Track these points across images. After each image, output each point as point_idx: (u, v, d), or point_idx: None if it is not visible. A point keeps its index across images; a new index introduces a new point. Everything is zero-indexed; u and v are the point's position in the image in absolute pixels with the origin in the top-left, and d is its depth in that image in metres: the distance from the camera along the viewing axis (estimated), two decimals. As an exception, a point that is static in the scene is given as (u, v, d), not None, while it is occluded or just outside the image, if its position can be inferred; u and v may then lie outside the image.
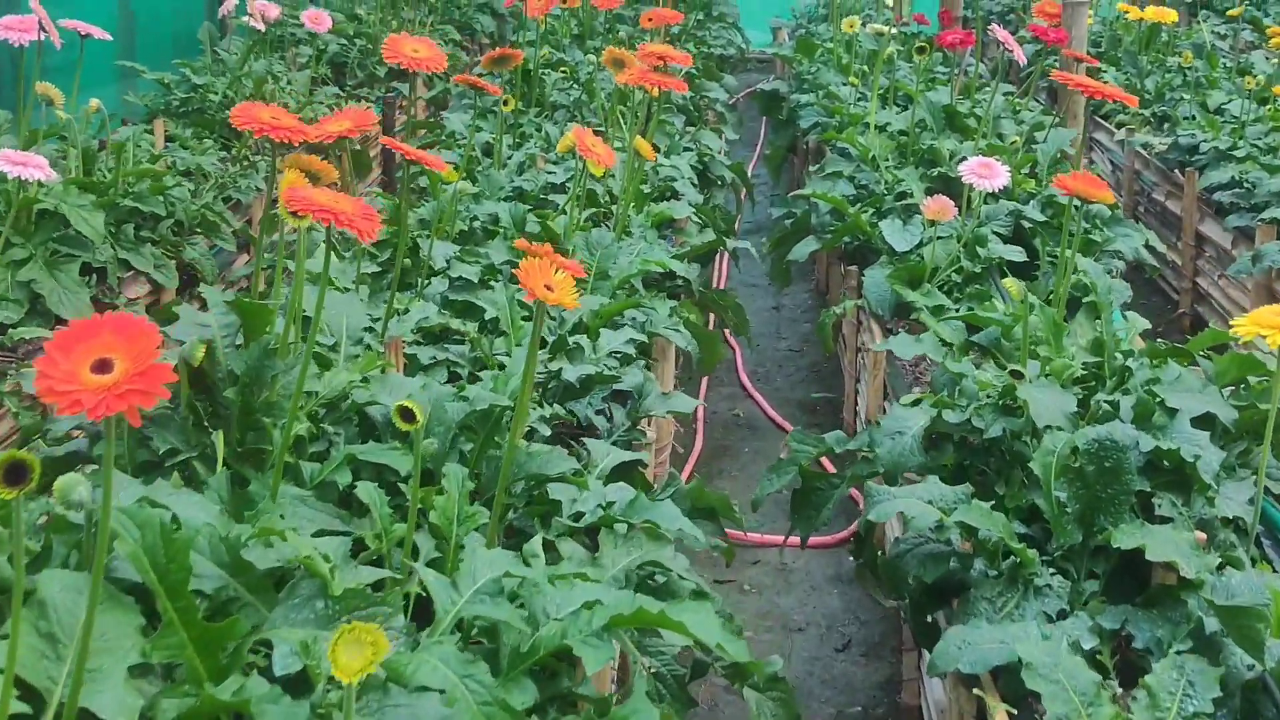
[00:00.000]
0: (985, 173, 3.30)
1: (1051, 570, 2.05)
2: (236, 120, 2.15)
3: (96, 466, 1.96)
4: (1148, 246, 3.79)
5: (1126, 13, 6.35)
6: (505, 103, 3.97)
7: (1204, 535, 2.03)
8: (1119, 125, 5.81)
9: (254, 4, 5.34)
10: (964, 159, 3.67)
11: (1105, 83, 5.73)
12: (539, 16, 4.59)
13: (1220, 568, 1.99)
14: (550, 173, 3.94)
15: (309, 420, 2.08)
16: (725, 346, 4.38)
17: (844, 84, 5.37)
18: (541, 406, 2.43)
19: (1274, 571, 2.11)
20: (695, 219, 3.89)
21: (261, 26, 5.27)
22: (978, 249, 3.51)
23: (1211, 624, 1.87)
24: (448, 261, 3.06)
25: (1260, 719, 1.80)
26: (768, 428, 3.94)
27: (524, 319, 2.74)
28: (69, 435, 2.07)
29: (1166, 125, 5.49)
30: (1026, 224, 3.69)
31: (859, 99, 5.16)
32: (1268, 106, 5.21)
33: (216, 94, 4.93)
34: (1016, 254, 3.51)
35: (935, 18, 6.40)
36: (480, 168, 3.98)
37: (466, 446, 2.11)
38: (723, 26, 7.68)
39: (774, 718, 1.86)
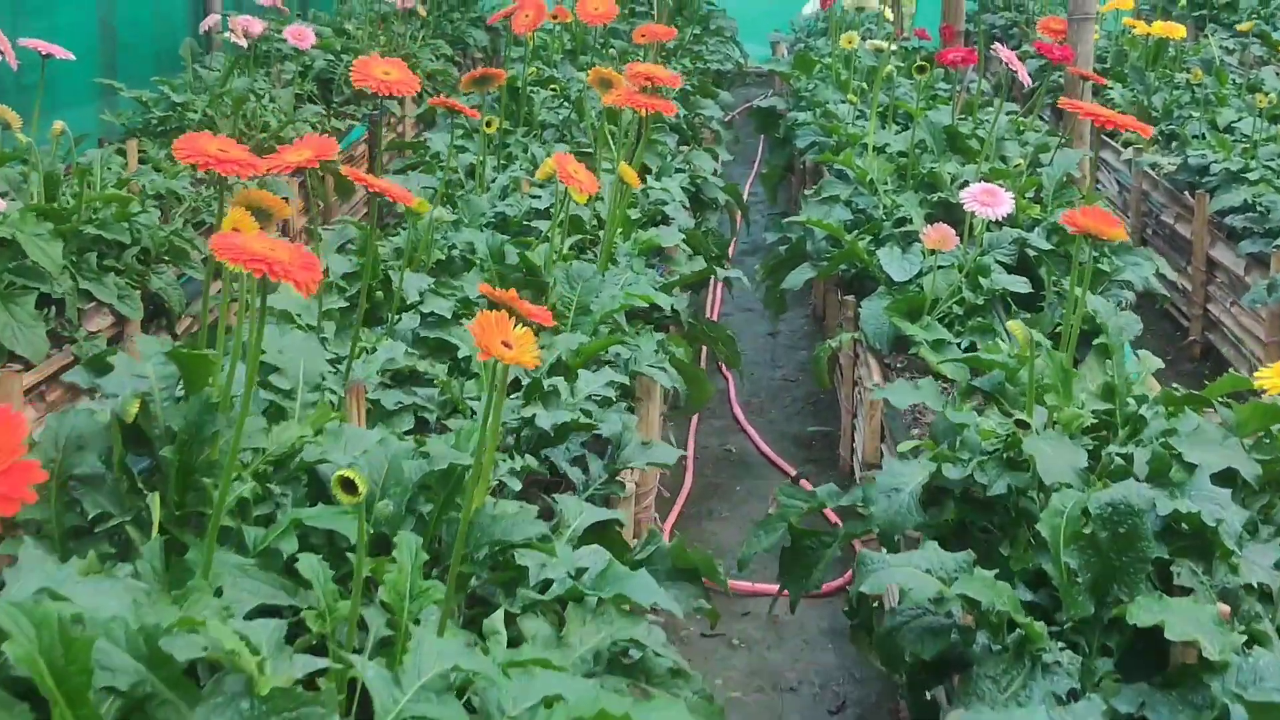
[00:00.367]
0: (989, 200, 3.15)
1: (1061, 645, 1.88)
2: (179, 153, 1.99)
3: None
4: (1158, 275, 3.63)
5: (1133, 28, 6.18)
6: (489, 124, 3.82)
7: (1228, 609, 1.86)
8: (1125, 144, 5.64)
9: (236, 20, 5.20)
10: (966, 184, 3.51)
11: (1113, 103, 5.58)
12: (527, 33, 4.43)
13: (1247, 644, 1.83)
14: (535, 197, 3.78)
15: (255, 480, 1.92)
16: (718, 377, 4.21)
17: (842, 101, 5.21)
18: (512, 458, 2.27)
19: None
20: (684, 246, 3.73)
21: (244, 43, 5.13)
22: (980, 279, 3.35)
23: (1238, 711, 1.71)
24: (420, 295, 2.90)
25: (1292, 817, 1.64)
26: (761, 464, 3.77)
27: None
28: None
29: (1175, 144, 5.32)
30: (1031, 252, 3.53)
31: (858, 117, 5.00)
32: (1279, 126, 5.05)
33: (195, 112, 4.78)
34: (1021, 285, 3.36)
35: (937, 32, 6.24)
36: (462, 192, 3.82)
37: (426, 507, 1.94)
38: (720, 41, 7.52)
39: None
